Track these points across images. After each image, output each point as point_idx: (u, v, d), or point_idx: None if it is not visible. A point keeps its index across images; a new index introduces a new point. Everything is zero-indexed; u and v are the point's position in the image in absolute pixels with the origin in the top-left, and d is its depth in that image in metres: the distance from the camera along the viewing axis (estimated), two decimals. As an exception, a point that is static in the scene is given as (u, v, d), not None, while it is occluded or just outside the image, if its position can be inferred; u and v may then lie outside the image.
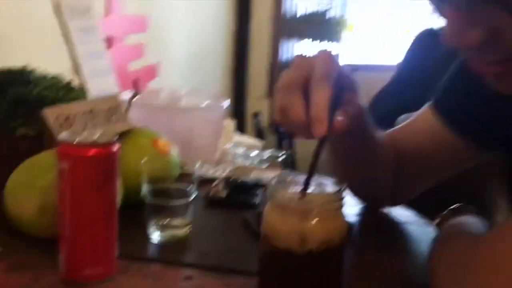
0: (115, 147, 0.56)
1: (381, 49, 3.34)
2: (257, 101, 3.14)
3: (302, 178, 0.52)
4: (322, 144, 0.52)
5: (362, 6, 3.25)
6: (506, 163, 0.68)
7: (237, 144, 1.66)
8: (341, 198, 0.49)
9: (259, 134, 2.40)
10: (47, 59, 1.07)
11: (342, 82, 0.57)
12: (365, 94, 0.67)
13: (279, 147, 2.59)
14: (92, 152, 0.54)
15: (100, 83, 0.91)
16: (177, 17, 1.99)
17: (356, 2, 3.23)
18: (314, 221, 0.47)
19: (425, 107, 0.77)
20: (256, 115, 2.55)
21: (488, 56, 0.47)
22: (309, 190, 0.51)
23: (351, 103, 0.59)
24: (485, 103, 0.65)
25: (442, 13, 0.47)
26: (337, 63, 0.58)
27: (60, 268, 0.56)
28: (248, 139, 1.85)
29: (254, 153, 1.63)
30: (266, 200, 0.85)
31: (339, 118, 0.54)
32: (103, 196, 0.55)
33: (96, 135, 0.55)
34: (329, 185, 0.52)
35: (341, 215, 0.50)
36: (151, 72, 1.71)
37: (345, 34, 3.21)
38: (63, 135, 0.55)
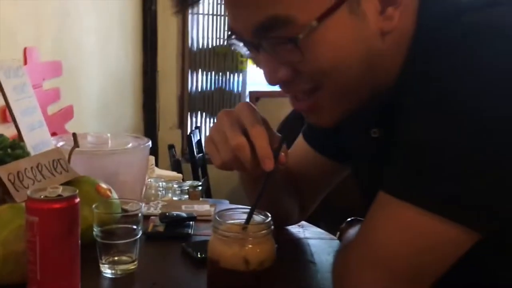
0: (77, 199, 0.65)
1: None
2: (168, 133, 3.23)
3: (233, 211, 0.66)
4: (267, 180, 0.65)
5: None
6: (353, 174, 0.85)
7: (158, 177, 1.75)
8: (270, 225, 0.63)
9: (176, 165, 2.49)
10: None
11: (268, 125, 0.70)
12: (270, 119, 0.79)
13: (194, 174, 2.70)
14: (58, 205, 0.63)
15: (36, 135, 0.98)
16: (88, 59, 2.05)
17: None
18: (252, 246, 0.60)
19: (300, 135, 0.94)
20: (171, 147, 2.64)
21: (298, 89, 0.63)
22: (243, 221, 0.64)
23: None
24: (329, 130, 0.80)
25: (258, 60, 0.63)
26: (256, 111, 0.71)
27: (31, 309, 0.63)
28: (168, 172, 1.94)
29: (175, 185, 1.73)
30: (199, 230, 0.97)
31: (282, 154, 0.68)
32: (69, 242, 0.64)
33: (59, 190, 0.64)
34: (257, 215, 0.66)
35: (271, 239, 0.63)
36: (67, 114, 1.76)
37: (248, 65, 3.43)
38: (30, 192, 0.63)
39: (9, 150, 0.80)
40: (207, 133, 0.76)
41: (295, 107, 0.66)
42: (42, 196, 0.63)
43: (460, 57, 0.52)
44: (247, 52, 0.64)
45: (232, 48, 0.64)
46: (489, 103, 0.50)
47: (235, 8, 0.60)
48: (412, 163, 0.55)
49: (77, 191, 0.65)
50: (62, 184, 0.75)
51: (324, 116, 0.64)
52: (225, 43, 3.27)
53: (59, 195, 0.64)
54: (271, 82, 0.62)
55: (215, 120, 0.73)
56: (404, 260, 0.55)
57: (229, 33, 0.63)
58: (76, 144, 0.90)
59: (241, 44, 0.63)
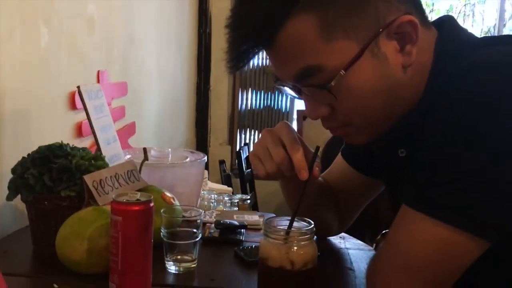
0: (151, 203, 0.78)
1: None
2: (218, 148, 3.39)
3: (281, 219, 0.77)
4: (304, 189, 0.78)
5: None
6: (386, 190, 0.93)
7: (211, 190, 1.89)
8: (313, 231, 0.74)
9: (226, 179, 2.62)
10: (56, 130, 1.29)
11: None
12: (316, 136, 0.92)
13: (243, 188, 2.83)
14: (137, 207, 0.76)
15: (111, 149, 1.13)
16: (148, 80, 2.23)
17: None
18: (297, 248, 0.71)
19: (339, 154, 1.05)
20: (221, 162, 2.79)
21: (332, 125, 0.75)
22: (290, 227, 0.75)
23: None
24: (365, 149, 0.90)
25: (301, 99, 0.75)
26: (293, 129, 0.84)
27: (111, 294, 0.76)
28: (219, 186, 2.07)
29: (225, 197, 1.86)
30: (249, 237, 1.08)
31: (316, 168, 0.80)
32: (144, 239, 0.77)
33: (137, 195, 0.78)
34: (302, 222, 0.77)
35: (314, 243, 0.74)
36: (130, 129, 1.93)
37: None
38: (115, 196, 0.77)
39: (92, 161, 0.94)
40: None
41: (331, 133, 0.78)
42: (124, 200, 0.76)
43: (467, 87, 0.62)
44: (292, 93, 0.76)
45: (279, 90, 0.77)
46: (496, 124, 0.59)
47: (275, 62, 0.73)
48: (427, 178, 0.63)
49: (152, 197, 0.79)
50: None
51: (356, 139, 0.77)
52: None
53: (138, 199, 0.77)
54: (312, 117, 0.75)
55: (259, 137, 0.86)
56: (423, 264, 0.64)
57: (274, 78, 0.75)
58: (146, 157, 1.04)
59: (285, 87, 0.75)
